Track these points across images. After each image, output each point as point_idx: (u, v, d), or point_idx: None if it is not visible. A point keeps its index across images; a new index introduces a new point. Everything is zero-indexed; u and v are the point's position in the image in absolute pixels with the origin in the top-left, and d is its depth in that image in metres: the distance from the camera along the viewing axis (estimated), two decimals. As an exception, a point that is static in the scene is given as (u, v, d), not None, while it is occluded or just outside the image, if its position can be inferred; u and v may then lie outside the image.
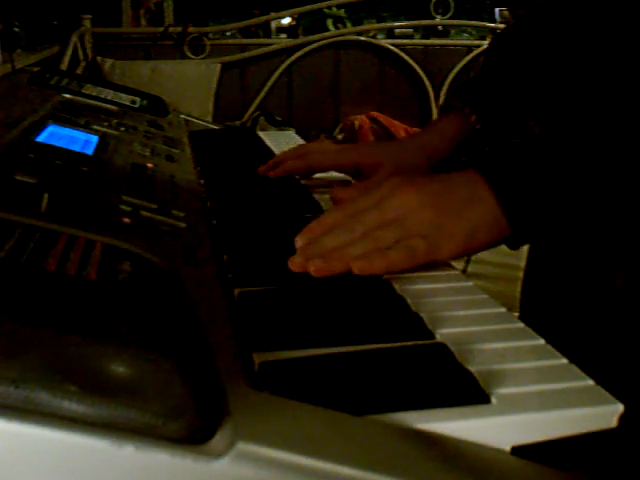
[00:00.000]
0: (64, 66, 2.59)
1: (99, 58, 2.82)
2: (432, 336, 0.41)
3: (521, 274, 0.78)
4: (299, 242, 0.52)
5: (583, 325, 0.65)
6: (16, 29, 2.16)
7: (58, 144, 0.65)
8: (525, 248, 0.77)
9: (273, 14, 3.04)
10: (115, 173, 0.62)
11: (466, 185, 0.52)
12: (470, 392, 0.35)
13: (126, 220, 0.49)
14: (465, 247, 0.51)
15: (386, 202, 0.53)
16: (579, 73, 0.67)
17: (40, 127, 0.69)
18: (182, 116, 1.11)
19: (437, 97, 2.99)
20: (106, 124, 0.81)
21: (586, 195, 0.51)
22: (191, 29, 2.87)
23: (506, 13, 3.07)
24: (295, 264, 0.49)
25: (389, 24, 3.16)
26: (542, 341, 0.41)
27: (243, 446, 0.28)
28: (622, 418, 0.35)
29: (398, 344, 0.39)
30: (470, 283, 0.51)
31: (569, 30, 0.69)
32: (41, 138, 0.66)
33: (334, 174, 0.77)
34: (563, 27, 0.70)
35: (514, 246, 0.53)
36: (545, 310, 0.70)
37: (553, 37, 0.72)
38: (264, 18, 3.03)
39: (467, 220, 0.51)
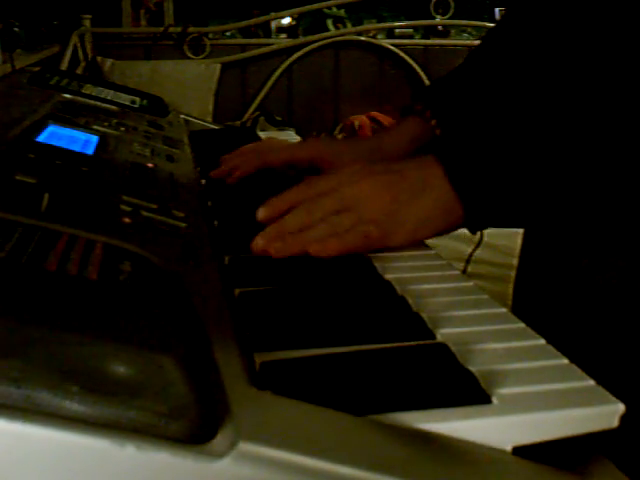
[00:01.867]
0: (64, 66, 2.59)
1: (99, 58, 2.81)
2: (433, 336, 0.41)
3: (520, 274, 0.78)
4: (260, 214, 0.56)
5: (581, 324, 0.65)
6: (16, 29, 2.16)
7: (58, 144, 0.65)
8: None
9: (273, 14, 3.04)
10: (115, 173, 0.62)
11: (420, 173, 0.55)
12: (471, 392, 0.35)
13: (126, 220, 0.49)
14: (416, 234, 0.55)
15: (344, 189, 0.56)
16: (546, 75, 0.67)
17: (40, 127, 0.69)
18: (182, 116, 1.11)
19: (437, 97, 2.99)
20: (106, 124, 0.81)
21: (541, 179, 0.53)
22: (191, 29, 2.87)
23: (506, 13, 3.07)
24: (257, 246, 0.52)
25: (389, 24, 3.16)
26: (543, 341, 0.41)
27: (244, 446, 0.28)
28: (623, 418, 0.35)
29: (399, 344, 0.39)
30: (470, 283, 0.51)
31: (541, 33, 0.69)
32: (41, 138, 0.66)
33: None
34: (534, 30, 0.70)
35: (473, 230, 0.56)
36: (539, 309, 0.70)
37: (521, 41, 0.72)
38: (264, 18, 3.03)
39: (419, 208, 0.54)
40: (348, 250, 0.52)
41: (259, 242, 0.52)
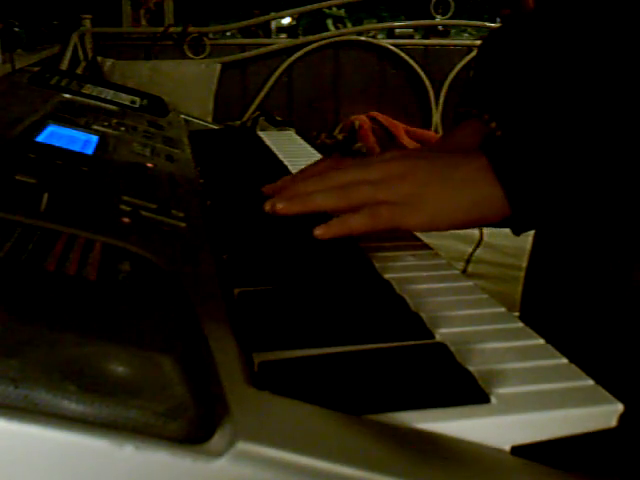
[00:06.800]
0: (64, 66, 2.59)
1: (99, 58, 2.81)
2: (432, 336, 0.41)
3: (521, 274, 0.78)
4: (275, 185, 0.57)
5: (583, 325, 0.65)
6: (16, 29, 2.16)
7: (58, 144, 0.65)
8: (526, 247, 0.77)
9: (273, 14, 3.04)
10: (115, 173, 0.62)
11: (468, 167, 0.52)
12: (470, 392, 0.35)
13: (126, 220, 0.49)
14: (434, 221, 0.51)
15: (373, 165, 0.54)
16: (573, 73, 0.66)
17: (40, 127, 0.69)
18: (182, 116, 1.11)
19: (437, 97, 2.99)
20: (106, 124, 0.81)
21: (589, 182, 0.50)
22: (191, 29, 2.87)
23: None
24: (266, 206, 0.53)
25: (389, 24, 3.16)
26: (542, 341, 0.41)
27: (242, 446, 0.28)
28: (622, 418, 0.35)
29: (398, 344, 0.39)
30: (470, 283, 0.51)
31: (561, 30, 0.68)
32: (41, 138, 0.66)
33: None
34: (555, 27, 0.69)
35: (517, 231, 0.53)
36: (545, 310, 0.70)
37: (546, 37, 0.71)
38: (264, 18, 3.03)
39: (448, 196, 0.51)
40: (353, 233, 0.51)
41: (268, 203, 0.53)
